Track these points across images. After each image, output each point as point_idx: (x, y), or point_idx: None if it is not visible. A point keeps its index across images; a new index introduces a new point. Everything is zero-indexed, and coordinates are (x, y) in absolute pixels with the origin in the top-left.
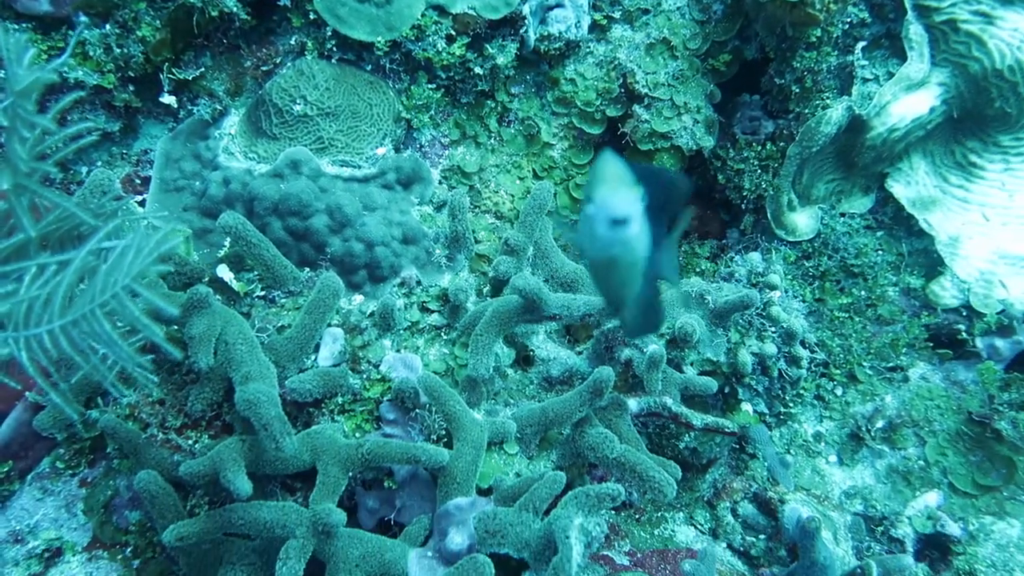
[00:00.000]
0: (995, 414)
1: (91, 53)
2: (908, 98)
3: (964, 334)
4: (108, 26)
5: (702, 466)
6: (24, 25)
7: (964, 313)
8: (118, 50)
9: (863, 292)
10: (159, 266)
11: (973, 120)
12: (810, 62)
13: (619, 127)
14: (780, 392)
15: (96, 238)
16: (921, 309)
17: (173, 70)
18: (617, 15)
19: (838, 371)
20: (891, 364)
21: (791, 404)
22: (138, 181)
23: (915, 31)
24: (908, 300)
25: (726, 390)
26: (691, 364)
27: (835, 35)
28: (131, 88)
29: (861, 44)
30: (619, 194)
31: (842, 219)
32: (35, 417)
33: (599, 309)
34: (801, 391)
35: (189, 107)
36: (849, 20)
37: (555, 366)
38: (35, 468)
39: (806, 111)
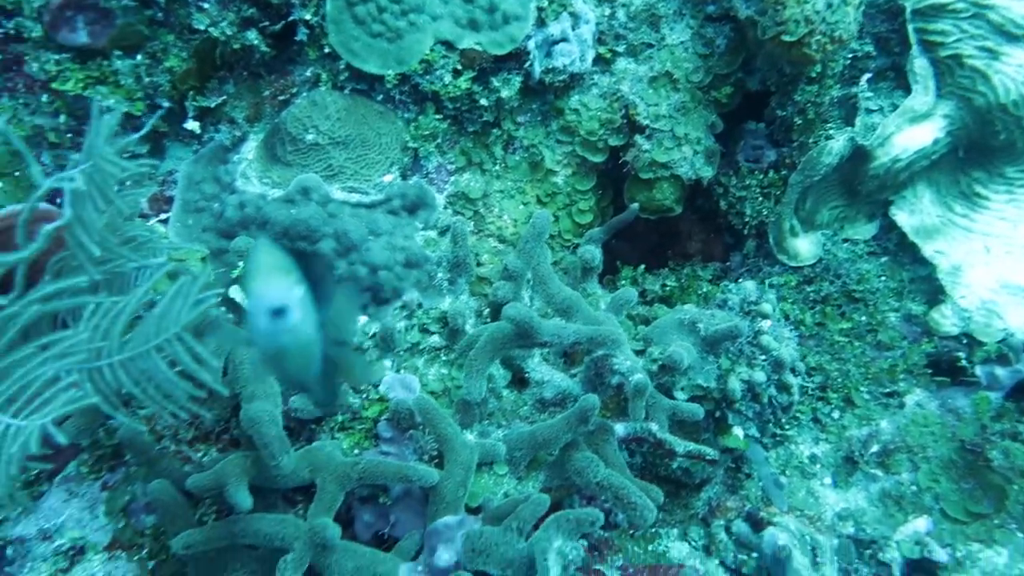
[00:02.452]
0: (987, 443)
1: (122, 82)
2: (913, 129)
3: (964, 362)
4: (139, 56)
5: (696, 485)
6: (63, 55)
7: (964, 341)
8: (147, 79)
9: (864, 317)
10: (196, 310)
11: (979, 151)
12: (811, 95)
13: (620, 156)
14: (772, 417)
15: (144, 288)
16: (922, 336)
17: (197, 98)
18: (621, 49)
19: (835, 395)
20: (888, 390)
21: (786, 427)
22: (164, 201)
23: (920, 65)
24: (909, 326)
25: (717, 415)
26: (682, 389)
27: (837, 69)
28: (159, 114)
29: (866, 76)
30: (273, 284)
31: (845, 245)
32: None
33: (589, 337)
34: (797, 414)
35: (211, 132)
36: (854, 53)
37: (548, 389)
38: (62, 471)
39: (809, 141)
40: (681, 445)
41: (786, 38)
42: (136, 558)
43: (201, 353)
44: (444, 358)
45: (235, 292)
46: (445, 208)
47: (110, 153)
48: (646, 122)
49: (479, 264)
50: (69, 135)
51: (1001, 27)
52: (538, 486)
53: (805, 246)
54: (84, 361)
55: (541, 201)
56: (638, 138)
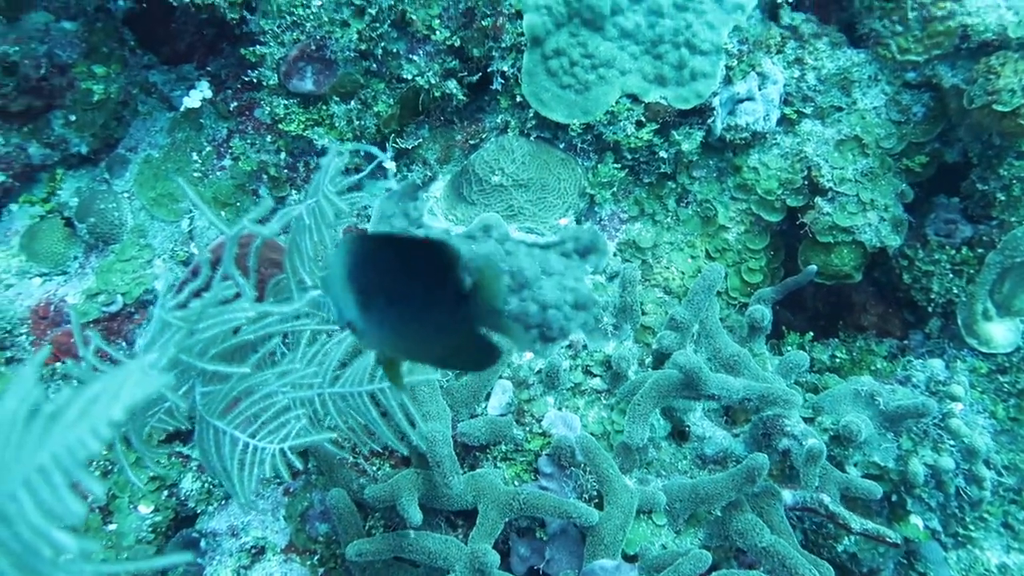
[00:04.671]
0: None
1: (336, 124)
2: None
3: None
4: (353, 102)
5: (862, 575)
6: (291, 101)
7: None
8: (357, 122)
9: None
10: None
11: None
12: (1020, 171)
13: (798, 217)
14: (957, 511)
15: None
16: None
17: (396, 140)
18: (808, 111)
19: None
20: None
21: (972, 527)
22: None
23: None
24: None
25: (893, 498)
26: (855, 465)
27: None
28: (361, 154)
29: None
30: None
31: None
32: None
33: (760, 395)
34: (985, 515)
35: (405, 172)
36: None
37: (710, 445)
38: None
39: (1012, 219)
40: (858, 522)
41: (998, 108)
42: (308, 563)
43: (412, 411)
44: (605, 401)
45: None
46: (615, 255)
47: (332, 192)
48: (829, 185)
49: (644, 313)
50: (285, 170)
51: None
52: (697, 543)
53: (1000, 332)
54: (305, 388)
55: (710, 256)
56: (819, 200)
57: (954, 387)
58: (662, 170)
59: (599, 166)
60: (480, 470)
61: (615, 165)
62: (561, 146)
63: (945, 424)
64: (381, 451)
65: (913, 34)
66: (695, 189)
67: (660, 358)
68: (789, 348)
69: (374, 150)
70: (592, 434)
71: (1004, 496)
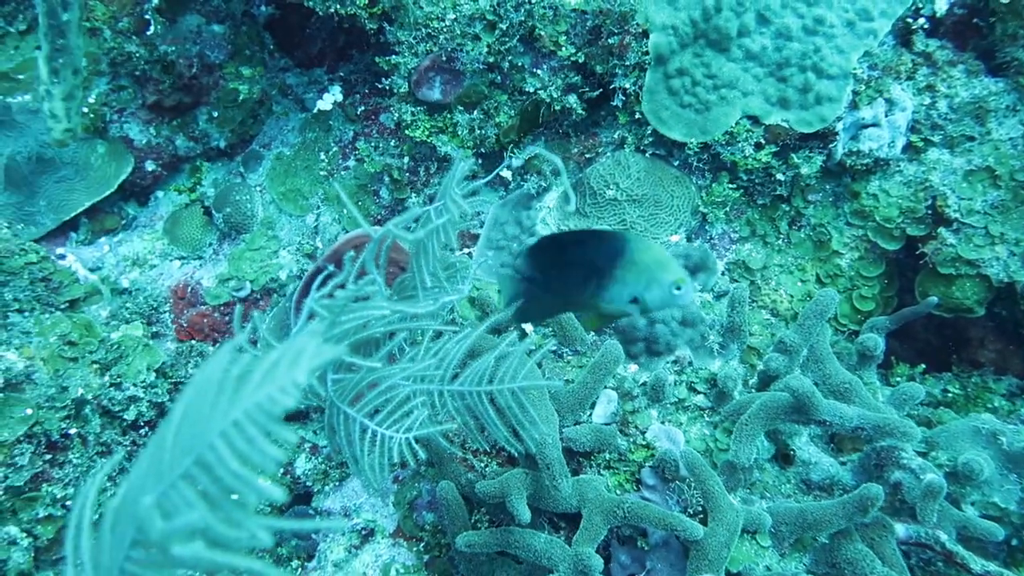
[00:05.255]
0: None
1: (459, 132)
2: None
3: None
4: (476, 112)
5: None
6: (418, 108)
7: None
8: (479, 131)
9: None
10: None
11: None
12: None
13: (918, 246)
14: None
15: (478, 332)
16: None
17: (514, 150)
18: (936, 139)
19: None
20: None
21: None
22: (468, 237)
23: None
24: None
25: (1014, 543)
26: (972, 504)
27: None
28: (479, 161)
29: None
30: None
31: None
32: None
33: (875, 424)
34: None
35: (520, 181)
36: None
37: (816, 471)
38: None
39: None
40: (979, 563)
41: None
42: (414, 549)
43: (530, 412)
44: (708, 419)
45: (526, 324)
46: (724, 274)
47: (458, 195)
48: (955, 215)
49: (751, 334)
50: (407, 174)
51: None
52: (802, 568)
53: None
54: (427, 384)
55: (821, 281)
56: (943, 231)
57: None
58: (777, 192)
59: (713, 185)
60: (585, 476)
61: (730, 185)
62: (676, 164)
63: None
64: (489, 449)
65: None
66: (809, 213)
67: (766, 380)
68: (898, 379)
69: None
70: (694, 450)
71: None
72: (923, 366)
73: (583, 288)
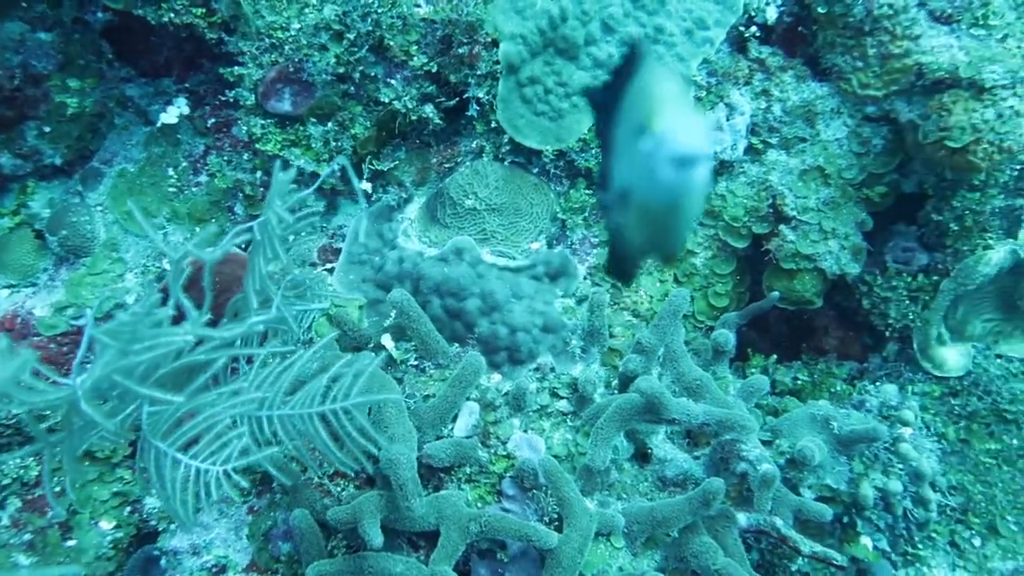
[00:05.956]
0: None
1: (312, 145)
2: None
3: None
4: (330, 124)
5: None
6: (268, 121)
7: None
8: (334, 143)
9: (1015, 441)
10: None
11: None
12: (972, 202)
13: (763, 244)
14: (905, 532)
15: (311, 352)
16: None
17: (373, 161)
18: (774, 141)
19: (977, 520)
20: None
21: (920, 546)
22: (331, 252)
23: None
24: None
25: (845, 520)
26: (809, 488)
27: (1002, 179)
28: (337, 175)
29: None
30: (687, 125)
31: (998, 361)
32: None
33: (718, 420)
34: (933, 534)
35: (380, 193)
36: (1022, 164)
37: (671, 467)
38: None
39: (965, 248)
40: (807, 545)
41: (949, 144)
42: None
43: (368, 430)
44: (570, 423)
45: (386, 339)
46: (585, 279)
47: (280, 207)
48: (793, 213)
49: (612, 336)
50: (261, 189)
51: None
52: (653, 565)
53: (953, 356)
54: (250, 410)
55: (678, 280)
56: (783, 228)
57: (905, 412)
58: None
59: (571, 191)
60: (443, 492)
61: (587, 191)
62: (535, 171)
63: (895, 448)
64: (346, 472)
65: (872, 70)
66: None
67: (626, 381)
68: (754, 370)
69: (343, 161)
70: (556, 456)
71: (951, 516)
72: (775, 356)
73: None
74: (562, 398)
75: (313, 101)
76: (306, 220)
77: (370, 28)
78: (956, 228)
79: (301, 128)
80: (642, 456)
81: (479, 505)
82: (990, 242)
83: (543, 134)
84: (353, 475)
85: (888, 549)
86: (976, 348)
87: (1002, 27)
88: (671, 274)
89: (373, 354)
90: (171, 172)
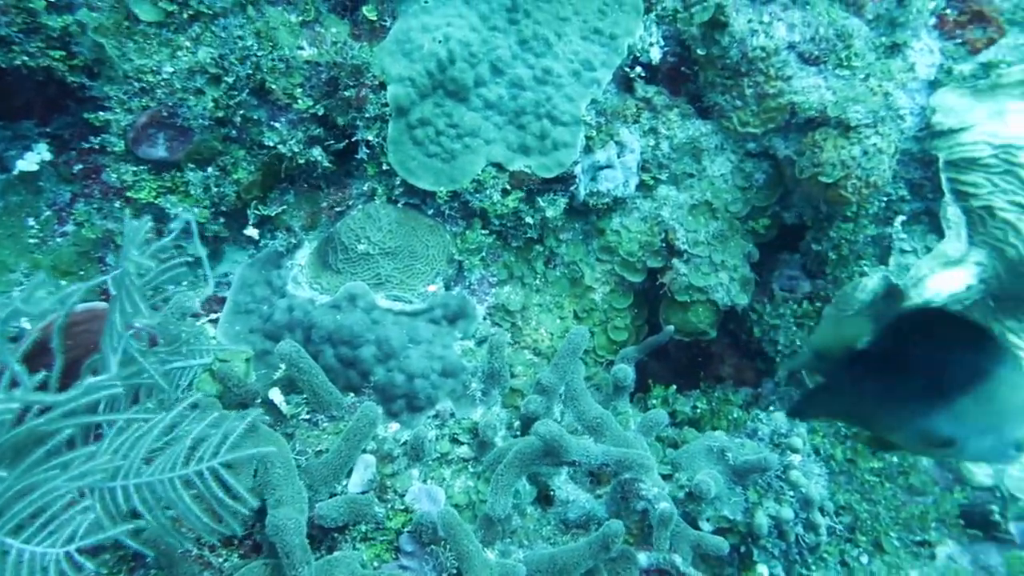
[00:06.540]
0: None
1: (191, 192)
2: (945, 274)
3: (997, 516)
4: (210, 169)
5: None
6: (141, 167)
7: (998, 494)
8: (215, 189)
9: (895, 458)
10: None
11: (1012, 300)
12: (846, 232)
13: (658, 277)
14: (798, 556)
15: (171, 415)
16: (954, 483)
17: (259, 207)
18: (664, 177)
19: (864, 538)
20: (919, 538)
21: (813, 567)
22: (216, 301)
23: (953, 212)
24: (941, 472)
25: (742, 549)
26: (708, 520)
27: (872, 210)
28: (221, 221)
29: (900, 219)
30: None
31: None
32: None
33: (617, 460)
34: (824, 555)
35: (268, 239)
36: (888, 196)
37: (573, 509)
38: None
39: (843, 275)
40: None
41: (822, 179)
42: None
43: (237, 489)
44: (472, 470)
45: (274, 394)
46: (485, 319)
47: (136, 257)
48: (684, 247)
49: (514, 376)
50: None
51: None
52: None
53: None
54: (101, 480)
55: (578, 316)
56: (676, 262)
57: (794, 439)
58: (529, 235)
59: (467, 232)
60: (336, 554)
61: (483, 231)
62: (430, 212)
63: (786, 476)
64: (230, 540)
65: (751, 108)
66: (562, 251)
67: (527, 422)
68: (655, 401)
69: (189, 216)
70: (457, 505)
71: (840, 535)
72: (674, 387)
73: (911, 402)
74: (463, 444)
75: (191, 146)
76: (170, 271)
77: (250, 71)
78: (834, 257)
79: (179, 174)
80: (545, 498)
81: (375, 564)
82: (865, 269)
83: (436, 175)
84: (236, 543)
85: (783, 574)
86: None
87: (864, 67)
88: (571, 310)
89: (261, 411)
90: (32, 222)
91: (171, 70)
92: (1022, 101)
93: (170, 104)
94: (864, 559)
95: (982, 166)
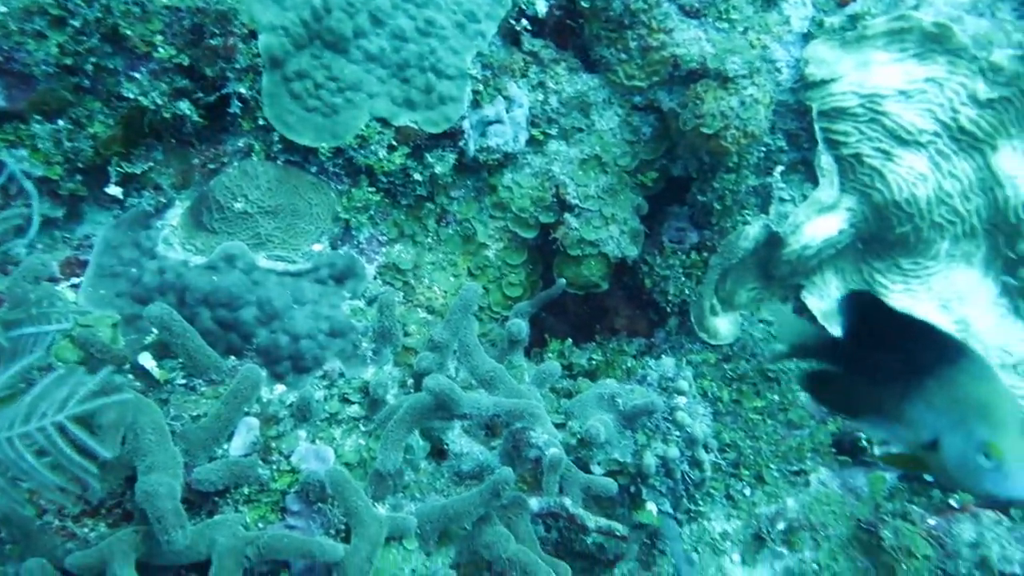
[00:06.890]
0: (880, 522)
1: (40, 146)
2: (820, 220)
3: (864, 442)
4: (61, 122)
5: (609, 560)
6: None
7: None
8: (68, 144)
9: (776, 396)
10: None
11: (878, 243)
12: (729, 183)
13: (551, 232)
14: (685, 493)
15: (21, 364)
16: (828, 416)
17: (122, 164)
18: (554, 132)
19: (748, 472)
20: (796, 468)
21: (701, 503)
22: (78, 265)
23: (826, 161)
24: (818, 407)
25: (632, 490)
26: (599, 464)
27: (752, 161)
28: (78, 178)
29: (779, 168)
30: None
31: (760, 325)
32: None
33: (507, 410)
34: (711, 490)
35: (135, 198)
36: (767, 147)
37: (466, 461)
38: None
39: (728, 225)
40: (592, 520)
41: (704, 130)
42: None
43: (88, 442)
44: (363, 428)
45: (144, 359)
46: (375, 278)
47: None
48: (575, 201)
49: (407, 334)
50: None
51: (894, 132)
52: (448, 561)
53: (724, 325)
54: None
55: (472, 273)
56: (568, 216)
57: (680, 382)
58: (419, 192)
59: (353, 190)
60: (216, 517)
61: (370, 189)
62: (313, 170)
63: (672, 417)
64: (97, 509)
65: (636, 62)
66: (454, 209)
67: (419, 379)
68: (551, 355)
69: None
70: (348, 464)
71: (726, 472)
72: (571, 340)
73: (890, 384)
74: (353, 403)
75: (34, 95)
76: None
77: (99, 15)
78: (719, 207)
79: (23, 127)
80: (439, 453)
81: (260, 526)
82: (748, 218)
83: (317, 131)
84: (105, 512)
85: (671, 511)
86: (743, 316)
87: (742, 20)
88: (465, 268)
89: (131, 376)
90: None
91: (4, 10)
92: (886, 52)
93: (5, 48)
94: (747, 492)
95: (850, 115)
